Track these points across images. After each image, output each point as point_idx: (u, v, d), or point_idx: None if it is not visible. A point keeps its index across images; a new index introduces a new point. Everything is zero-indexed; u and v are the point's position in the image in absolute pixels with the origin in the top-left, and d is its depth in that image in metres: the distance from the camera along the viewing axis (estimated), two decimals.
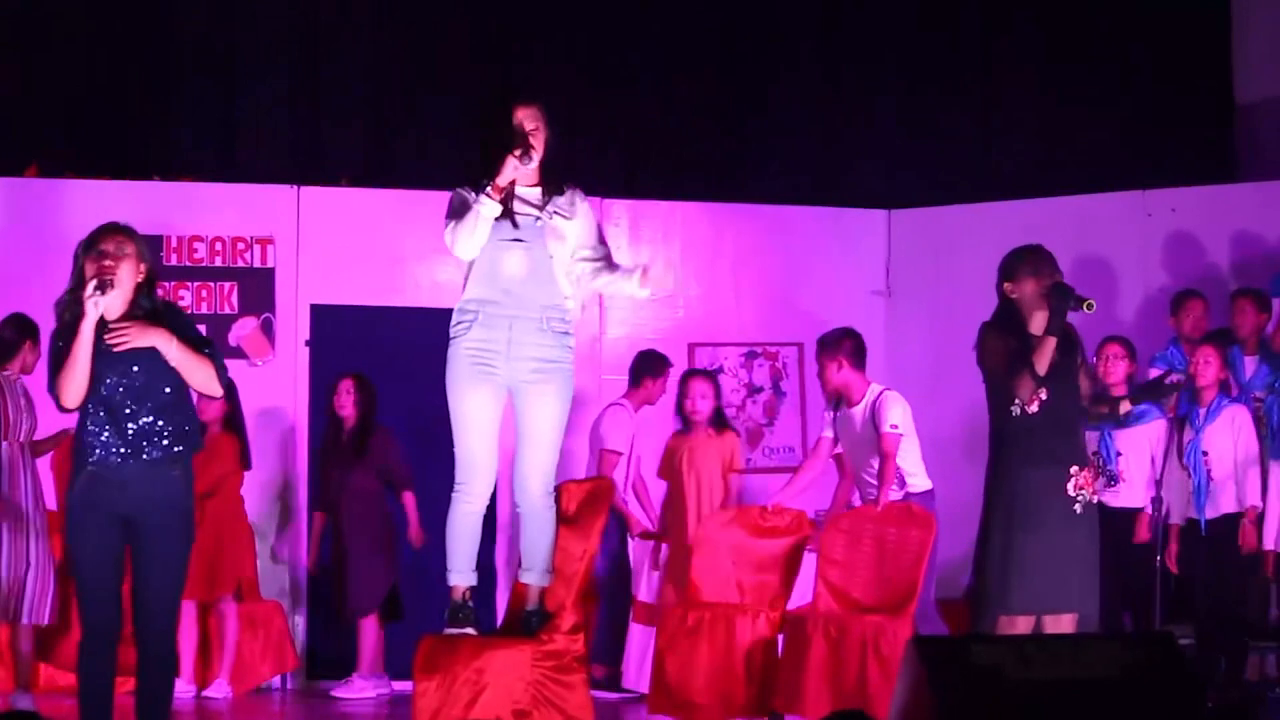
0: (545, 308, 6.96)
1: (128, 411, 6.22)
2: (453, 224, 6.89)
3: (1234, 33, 11.64)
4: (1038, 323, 7.59)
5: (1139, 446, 9.29)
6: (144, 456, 6.23)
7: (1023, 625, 7.52)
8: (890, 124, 11.89)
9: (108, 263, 6.20)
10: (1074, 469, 7.61)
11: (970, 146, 11.80)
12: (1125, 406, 8.17)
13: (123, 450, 6.21)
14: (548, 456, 7.06)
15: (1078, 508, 7.60)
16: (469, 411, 6.95)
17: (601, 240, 7.17)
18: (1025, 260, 7.69)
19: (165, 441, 6.26)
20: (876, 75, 12.02)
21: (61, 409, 6.25)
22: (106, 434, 6.21)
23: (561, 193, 7.03)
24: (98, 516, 6.23)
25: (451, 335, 6.98)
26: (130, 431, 6.22)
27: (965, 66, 11.97)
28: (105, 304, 6.16)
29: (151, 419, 6.24)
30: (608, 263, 7.13)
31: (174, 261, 10.65)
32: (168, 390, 6.28)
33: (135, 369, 6.22)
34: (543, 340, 6.95)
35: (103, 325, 6.20)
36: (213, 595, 10.05)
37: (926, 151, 11.76)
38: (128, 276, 6.25)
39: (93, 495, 6.24)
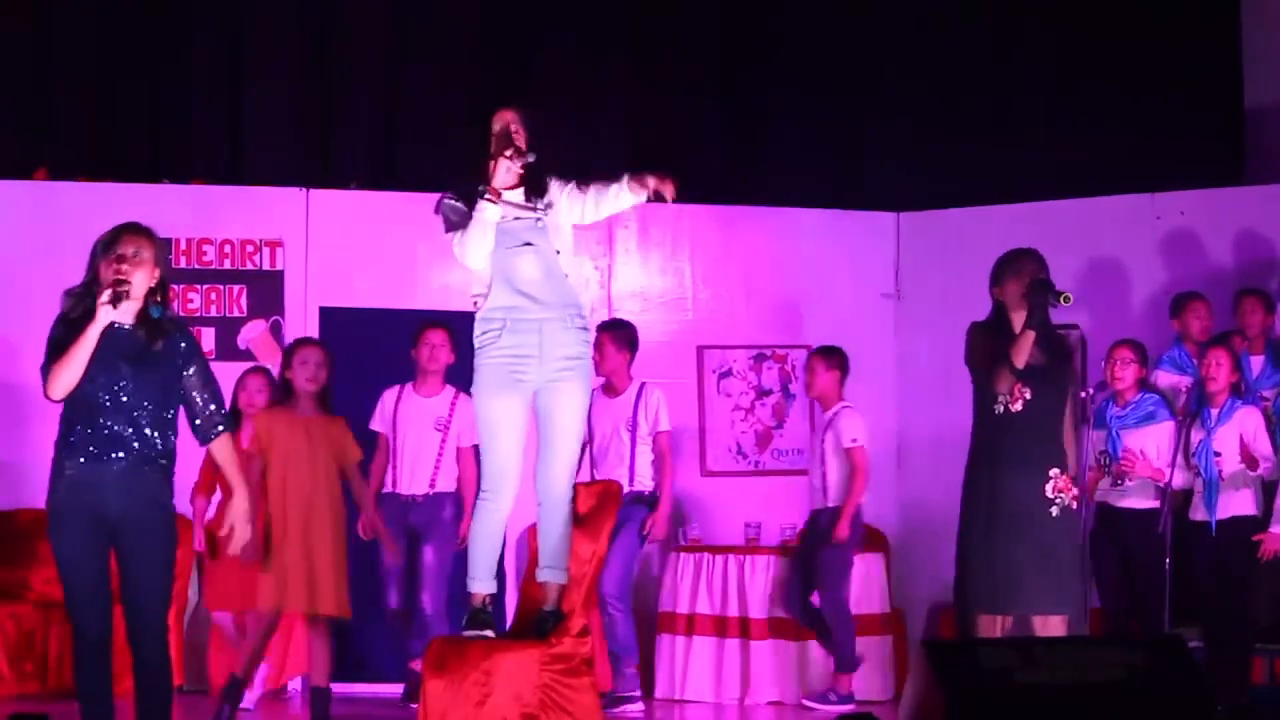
0: (565, 306, 7.05)
1: (108, 417, 6.18)
2: (458, 235, 6.97)
3: (1243, 36, 11.64)
4: (1020, 320, 7.67)
5: (1146, 447, 9.26)
6: (120, 462, 6.19)
7: (1003, 625, 7.55)
8: (899, 127, 11.87)
9: (125, 267, 6.20)
10: (1053, 471, 7.66)
11: (979, 149, 11.77)
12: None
13: (99, 454, 6.18)
14: (574, 452, 7.17)
15: (1054, 510, 7.64)
16: (500, 419, 7.00)
17: (577, 186, 7.16)
18: (1009, 263, 7.83)
19: (138, 448, 6.20)
20: (886, 78, 12.01)
21: (47, 398, 6.20)
22: (85, 436, 6.19)
23: (544, 192, 7.07)
24: (80, 520, 6.20)
25: (478, 345, 7.03)
26: (108, 436, 6.18)
27: (974, 69, 11.95)
28: (115, 313, 6.16)
29: (130, 428, 6.20)
30: (582, 191, 7.13)
31: (183, 264, 10.66)
32: (149, 405, 6.24)
33: (123, 381, 6.21)
34: (569, 339, 7.04)
35: (108, 327, 6.19)
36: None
37: (936, 154, 11.74)
38: (141, 282, 6.24)
39: (74, 499, 6.21)
